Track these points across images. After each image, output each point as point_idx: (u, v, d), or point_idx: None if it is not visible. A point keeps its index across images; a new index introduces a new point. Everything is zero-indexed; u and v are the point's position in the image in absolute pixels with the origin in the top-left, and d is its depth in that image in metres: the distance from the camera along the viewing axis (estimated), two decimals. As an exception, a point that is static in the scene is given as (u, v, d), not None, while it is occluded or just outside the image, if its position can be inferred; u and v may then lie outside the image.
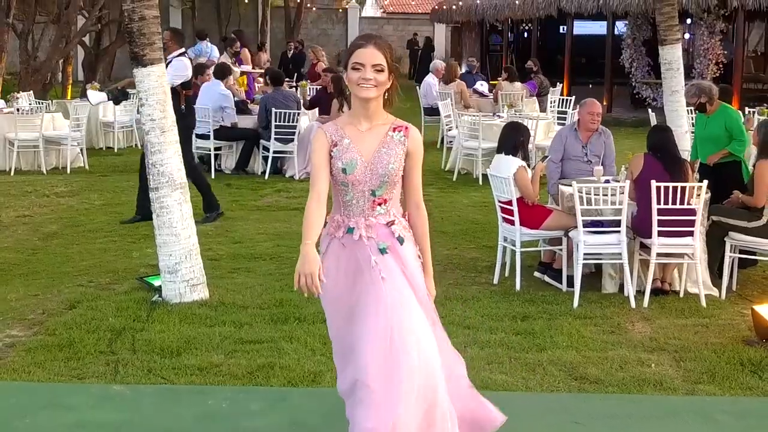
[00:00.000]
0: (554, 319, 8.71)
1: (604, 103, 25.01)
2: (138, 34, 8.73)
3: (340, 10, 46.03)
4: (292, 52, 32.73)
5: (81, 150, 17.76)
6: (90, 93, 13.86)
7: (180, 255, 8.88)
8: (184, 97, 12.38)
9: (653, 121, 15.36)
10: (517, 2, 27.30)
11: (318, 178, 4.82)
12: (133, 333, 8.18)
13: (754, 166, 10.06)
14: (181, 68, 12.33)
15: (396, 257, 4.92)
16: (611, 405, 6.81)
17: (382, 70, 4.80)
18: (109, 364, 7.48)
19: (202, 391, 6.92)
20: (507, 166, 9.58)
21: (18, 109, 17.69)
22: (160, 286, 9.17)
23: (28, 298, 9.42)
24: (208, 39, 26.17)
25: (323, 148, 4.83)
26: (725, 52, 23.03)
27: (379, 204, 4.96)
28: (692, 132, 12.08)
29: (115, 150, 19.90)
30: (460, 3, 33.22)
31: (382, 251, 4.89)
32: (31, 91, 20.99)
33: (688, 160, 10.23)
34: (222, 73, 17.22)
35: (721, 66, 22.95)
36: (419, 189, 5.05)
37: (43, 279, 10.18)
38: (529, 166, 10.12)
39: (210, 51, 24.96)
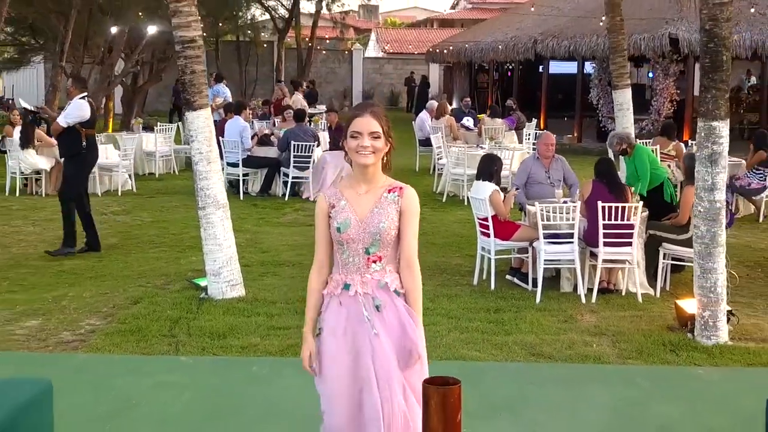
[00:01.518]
0: (520, 311, 9.33)
1: (575, 134, 25.47)
2: (189, 84, 9.42)
3: (346, 52, 45.55)
4: (306, 89, 32.10)
5: (129, 175, 17.97)
6: (20, 100, 13.55)
7: (222, 261, 9.53)
8: (84, 135, 11.99)
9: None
10: (500, 47, 27.34)
11: (319, 246, 4.60)
12: (188, 321, 8.88)
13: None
14: (75, 109, 11.96)
15: (390, 314, 4.54)
16: (558, 372, 7.60)
17: (378, 137, 4.54)
18: (171, 345, 8.22)
19: (247, 361, 7.68)
20: (483, 190, 10.15)
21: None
22: (206, 286, 9.77)
23: (99, 295, 10.02)
24: (224, 81, 26.05)
25: (322, 214, 4.59)
26: (678, 91, 23.23)
27: (374, 261, 4.58)
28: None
29: (156, 175, 20.01)
30: (451, 48, 33.13)
31: (377, 308, 4.52)
32: None
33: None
34: (239, 108, 17.57)
35: (675, 103, 23.17)
36: (411, 247, 4.56)
37: (109, 281, 10.71)
38: (503, 190, 10.73)
39: (225, 92, 24.79)
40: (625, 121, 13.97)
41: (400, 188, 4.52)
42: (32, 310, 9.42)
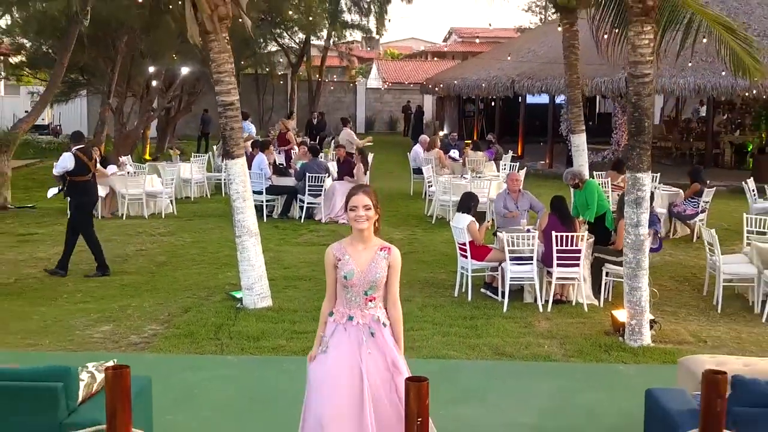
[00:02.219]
0: (490, 318, 10.14)
1: (547, 160, 25.91)
2: (229, 138, 10.39)
3: (351, 84, 45.60)
4: (316, 120, 32.81)
5: (171, 200, 18.13)
6: (49, 190, 13.44)
7: (254, 278, 10.41)
8: (69, 181, 12.25)
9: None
10: (483, 84, 27.65)
11: (329, 286, 5.22)
12: (228, 327, 9.67)
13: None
14: (61, 161, 12.31)
15: (380, 339, 5.19)
16: (517, 368, 8.46)
17: (370, 209, 5.11)
18: (217, 346, 9.02)
19: (277, 360, 8.52)
20: (463, 220, 11.01)
21: (128, 173, 18.16)
22: (241, 298, 10.57)
23: (156, 305, 10.74)
24: (249, 118, 26.44)
25: (330, 265, 5.19)
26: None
27: (370, 300, 5.21)
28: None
29: (192, 198, 20.09)
30: (441, 85, 33.25)
31: (372, 334, 5.16)
32: (129, 156, 21.53)
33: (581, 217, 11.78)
34: (263, 146, 18.04)
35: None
36: (396, 290, 5.24)
37: (163, 293, 11.38)
38: (479, 216, 11.79)
39: (251, 128, 24.96)
40: (581, 159, 14.98)
41: (389, 248, 5.20)
42: (104, 318, 10.11)
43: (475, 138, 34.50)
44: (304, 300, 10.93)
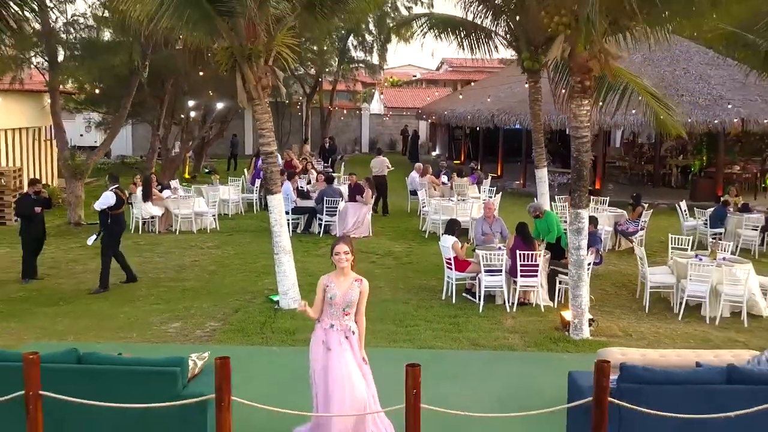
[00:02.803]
0: (469, 317, 11.34)
1: (521, 181, 26.78)
2: (269, 179, 11.78)
3: (357, 111, 46.26)
4: (328, 144, 33.84)
5: (214, 218, 18.94)
6: (89, 239, 13.62)
7: (288, 285, 11.70)
8: (110, 215, 12.91)
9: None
10: (468, 116, 28.53)
11: (317, 302, 6.51)
12: (270, 324, 10.86)
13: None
14: (104, 198, 13.03)
15: (351, 341, 6.55)
16: (488, 356, 9.67)
17: (348, 253, 6.45)
18: (263, 339, 10.23)
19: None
20: (448, 241, 12.30)
21: (179, 195, 18.99)
22: (278, 300, 11.75)
23: (212, 306, 11.86)
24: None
25: (321, 288, 6.51)
26: (593, 154, 24.45)
27: (347, 315, 6.53)
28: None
29: (230, 216, 20.67)
30: (434, 115, 34.20)
31: (346, 338, 6.53)
32: (176, 179, 22.81)
33: (539, 238, 12.88)
34: (290, 176, 19.02)
35: (593, 158, 24.70)
36: (363, 309, 6.58)
37: (216, 296, 12.46)
38: (460, 238, 12.75)
39: (278, 160, 26.19)
40: (543, 188, 16.20)
41: (361, 280, 6.53)
42: (174, 316, 11.32)
43: (462, 159, 35.73)
44: None
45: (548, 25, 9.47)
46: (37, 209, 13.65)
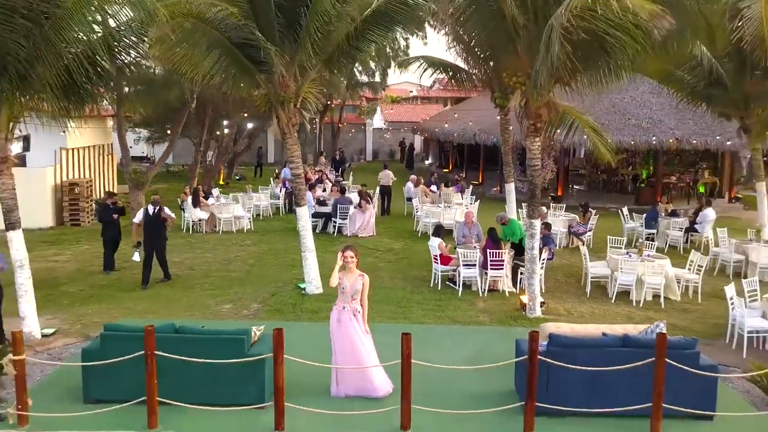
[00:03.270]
0: (450, 300, 12.70)
1: (498, 187, 27.34)
2: (297, 195, 13.26)
3: (362, 126, 47.27)
4: (338, 156, 35.29)
5: (249, 220, 20.17)
6: (134, 256, 14.62)
7: (312, 276, 13.12)
8: (163, 221, 13.73)
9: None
10: (455, 134, 29.86)
11: (332, 283, 8.03)
12: (300, 305, 12.26)
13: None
14: (140, 214, 14.08)
15: (357, 318, 8.05)
16: (463, 330, 11.04)
17: (353, 257, 8.01)
18: (296, 316, 11.61)
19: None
20: (435, 241, 13.84)
21: (221, 203, 20.26)
22: (305, 287, 13.12)
23: (254, 292, 13.21)
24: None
25: (334, 279, 8.03)
26: (556, 167, 25.02)
27: (354, 299, 8.06)
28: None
29: (261, 217, 21.94)
30: (427, 133, 35.52)
31: (354, 315, 8.05)
32: (215, 186, 24.37)
33: (506, 238, 14.20)
34: (310, 187, 20.08)
35: (553, 173, 24.43)
36: (366, 296, 8.06)
37: (257, 284, 13.80)
38: (445, 239, 14.33)
39: (287, 173, 26.04)
40: (511, 198, 17.29)
41: (363, 275, 8.07)
42: (225, 299, 12.73)
43: (450, 167, 36.87)
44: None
45: (508, 83, 11.02)
46: (115, 216, 15.19)
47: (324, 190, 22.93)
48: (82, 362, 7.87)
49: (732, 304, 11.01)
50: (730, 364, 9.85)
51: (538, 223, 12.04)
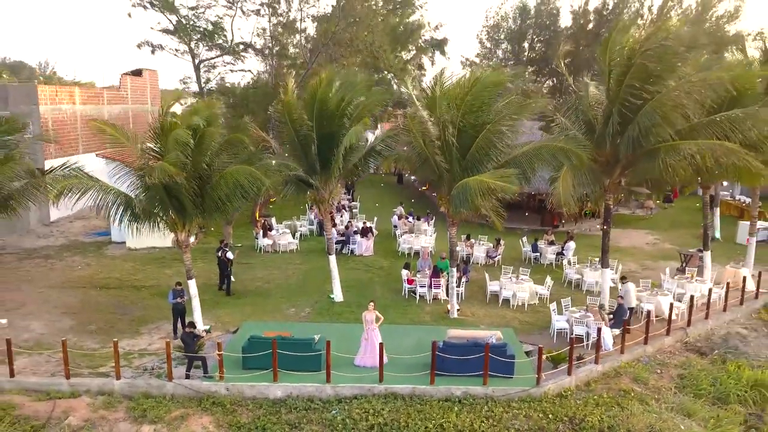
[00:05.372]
0: (412, 307, 18.26)
1: None
2: (325, 228, 20.29)
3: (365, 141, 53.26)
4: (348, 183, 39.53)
5: (296, 244, 24.77)
6: (230, 254, 18.63)
7: (338, 288, 18.95)
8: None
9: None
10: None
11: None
12: (331, 309, 17.92)
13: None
14: (230, 253, 19.03)
15: (375, 326, 13.62)
16: (418, 328, 16.64)
17: (371, 311, 14.15)
18: (331, 318, 17.22)
19: (353, 325, 16.54)
20: (404, 272, 19.80)
21: (280, 233, 25.09)
22: (333, 297, 18.71)
23: (305, 299, 18.71)
24: None
25: (363, 317, 14.28)
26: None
27: (373, 321, 14.14)
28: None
29: (302, 238, 26.22)
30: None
31: (374, 323, 14.01)
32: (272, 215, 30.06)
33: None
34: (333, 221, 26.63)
35: None
36: (378, 317, 13.72)
37: (306, 294, 19.18)
38: (412, 264, 20.76)
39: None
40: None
41: (375, 312, 14.32)
42: (290, 305, 18.52)
43: (427, 186, 42.47)
44: (354, 297, 18.89)
45: (438, 201, 17.69)
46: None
47: (341, 216, 28.45)
48: (242, 348, 14.68)
49: (553, 311, 17.86)
50: (543, 346, 16.69)
51: (454, 231, 18.40)
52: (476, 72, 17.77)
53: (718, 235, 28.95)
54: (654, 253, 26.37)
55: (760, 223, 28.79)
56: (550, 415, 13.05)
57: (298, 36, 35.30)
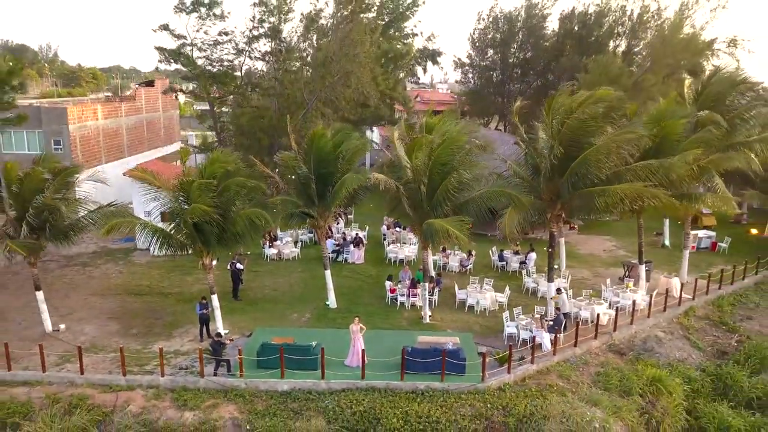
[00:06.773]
0: (394, 313, 22.19)
1: None
2: (322, 239, 24.58)
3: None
4: None
5: (298, 253, 28.66)
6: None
7: (332, 296, 23.12)
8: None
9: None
10: None
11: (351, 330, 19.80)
12: (326, 315, 21.94)
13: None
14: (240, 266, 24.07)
15: (359, 333, 18.19)
16: (395, 332, 20.71)
17: (357, 323, 18.40)
18: (328, 322, 21.23)
19: (345, 330, 21.44)
20: (387, 284, 23.95)
21: (284, 242, 28.91)
22: (329, 304, 22.69)
23: (305, 306, 22.47)
24: None
25: (351, 328, 18.66)
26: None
27: (359, 329, 19.24)
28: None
29: (303, 244, 30.21)
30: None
31: (359, 331, 18.45)
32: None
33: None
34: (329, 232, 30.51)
35: None
36: (361, 327, 18.72)
37: (306, 301, 22.82)
38: (394, 275, 25.14)
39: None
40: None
41: (359, 323, 18.56)
42: (293, 311, 22.29)
43: None
44: (347, 304, 22.48)
45: (416, 234, 21.99)
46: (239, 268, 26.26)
47: (338, 223, 32.37)
48: (256, 352, 19.22)
49: (506, 318, 22.24)
50: (495, 347, 21.13)
51: (432, 272, 23.09)
52: (446, 125, 21.82)
53: (667, 242, 32.88)
54: (608, 261, 30.13)
55: (702, 232, 33.03)
56: (489, 405, 17.44)
57: (298, 80, 38.28)
